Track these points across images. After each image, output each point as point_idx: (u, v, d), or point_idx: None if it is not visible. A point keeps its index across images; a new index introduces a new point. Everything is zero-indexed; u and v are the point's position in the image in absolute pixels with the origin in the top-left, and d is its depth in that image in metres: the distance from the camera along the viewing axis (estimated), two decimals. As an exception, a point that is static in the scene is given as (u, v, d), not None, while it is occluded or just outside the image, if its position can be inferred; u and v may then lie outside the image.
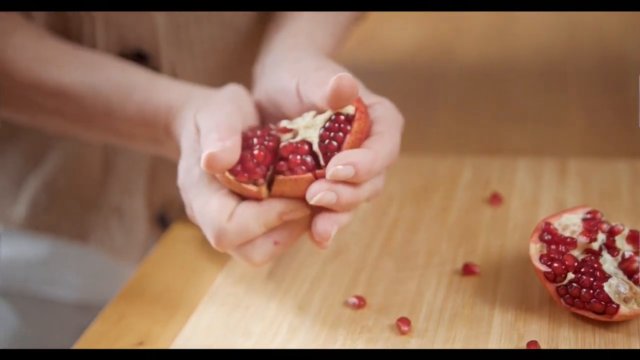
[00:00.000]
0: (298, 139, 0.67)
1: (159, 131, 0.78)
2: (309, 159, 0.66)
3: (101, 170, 0.97)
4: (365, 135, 0.67)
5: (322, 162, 0.66)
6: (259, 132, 0.69)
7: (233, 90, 0.75)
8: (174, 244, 0.87)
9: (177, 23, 0.89)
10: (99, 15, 0.86)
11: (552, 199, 0.86)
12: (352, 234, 0.82)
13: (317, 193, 0.64)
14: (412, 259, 0.78)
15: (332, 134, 0.66)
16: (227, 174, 0.66)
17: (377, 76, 1.18)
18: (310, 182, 0.65)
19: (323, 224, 0.66)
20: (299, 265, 0.79)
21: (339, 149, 0.65)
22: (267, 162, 0.67)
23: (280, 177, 0.66)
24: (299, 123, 0.69)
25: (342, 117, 0.66)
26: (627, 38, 1.31)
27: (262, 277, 0.78)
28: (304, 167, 0.66)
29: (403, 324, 0.69)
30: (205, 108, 0.71)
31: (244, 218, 0.66)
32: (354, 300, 0.72)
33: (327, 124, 0.67)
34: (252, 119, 0.74)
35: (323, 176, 0.65)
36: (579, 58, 1.25)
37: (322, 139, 0.66)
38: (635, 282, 0.66)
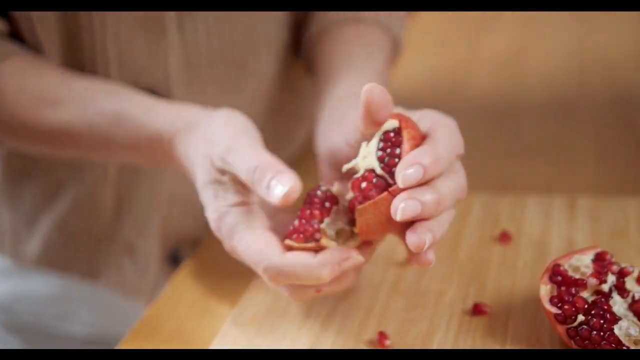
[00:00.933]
0: (361, 172, 0.69)
1: (159, 156, 0.81)
2: (378, 181, 0.67)
3: (114, 209, 0.97)
4: (420, 140, 0.68)
5: (390, 181, 0.67)
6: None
7: (233, 117, 0.77)
8: (185, 283, 0.87)
9: (190, 65, 0.90)
10: (113, 57, 0.88)
11: (561, 237, 0.86)
12: (362, 274, 0.82)
13: (399, 206, 0.65)
14: (422, 299, 0.78)
15: (388, 150, 0.67)
16: (286, 241, 0.70)
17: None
18: (389, 200, 0.66)
19: (415, 234, 0.66)
20: (311, 304, 0.79)
21: (398, 163, 0.66)
22: (318, 216, 0.70)
23: (360, 206, 0.67)
24: (356, 160, 0.70)
25: (390, 133, 0.68)
26: (637, 71, 1.31)
27: (274, 316, 0.78)
28: (374, 190, 0.67)
29: (414, 364, 0.69)
30: (229, 152, 0.72)
31: (297, 259, 0.69)
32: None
33: (380, 145, 0.68)
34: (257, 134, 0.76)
35: (399, 191, 0.66)
36: (589, 93, 1.26)
37: (380, 159, 0.68)
38: (646, 324, 0.67)
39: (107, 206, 0.97)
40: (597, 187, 0.99)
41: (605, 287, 0.69)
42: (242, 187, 0.73)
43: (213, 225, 0.73)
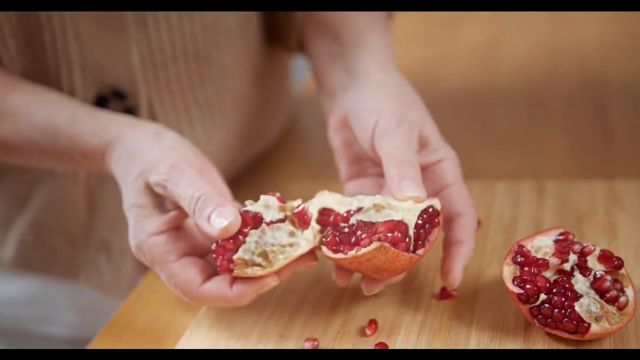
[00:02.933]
0: (397, 218, 0.71)
1: (96, 169, 0.84)
2: (409, 240, 0.71)
3: (86, 209, 0.98)
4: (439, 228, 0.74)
5: (411, 247, 0.71)
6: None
7: (166, 137, 0.79)
8: (158, 278, 0.88)
9: (154, 62, 0.91)
10: (75, 56, 0.88)
11: (529, 221, 0.87)
12: (332, 264, 0.83)
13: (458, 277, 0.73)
14: (391, 287, 0.79)
15: (425, 224, 0.72)
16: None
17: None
18: (406, 262, 0.70)
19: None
20: (280, 294, 0.80)
21: (425, 238, 0.72)
22: (229, 247, 0.71)
23: (386, 244, 0.68)
24: (398, 204, 0.72)
25: (431, 210, 0.73)
26: (607, 62, 1.32)
27: (243, 308, 0.79)
28: (403, 244, 0.70)
29: (381, 348, 0.70)
30: (169, 181, 0.74)
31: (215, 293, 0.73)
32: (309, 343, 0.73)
33: (423, 215, 0.72)
34: (195, 155, 0.79)
35: (417, 260, 0.71)
36: (559, 83, 1.27)
37: (417, 227, 0.71)
38: (607, 301, 0.68)
39: (79, 205, 0.98)
40: (566, 172, 1.00)
41: (567, 266, 0.70)
42: (173, 212, 0.75)
43: (134, 252, 0.77)
